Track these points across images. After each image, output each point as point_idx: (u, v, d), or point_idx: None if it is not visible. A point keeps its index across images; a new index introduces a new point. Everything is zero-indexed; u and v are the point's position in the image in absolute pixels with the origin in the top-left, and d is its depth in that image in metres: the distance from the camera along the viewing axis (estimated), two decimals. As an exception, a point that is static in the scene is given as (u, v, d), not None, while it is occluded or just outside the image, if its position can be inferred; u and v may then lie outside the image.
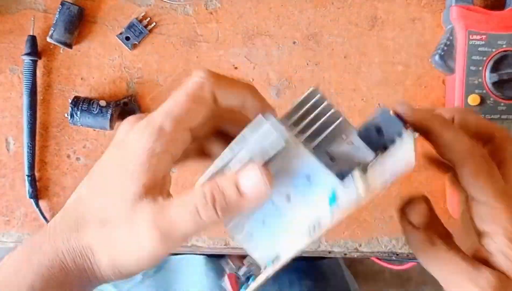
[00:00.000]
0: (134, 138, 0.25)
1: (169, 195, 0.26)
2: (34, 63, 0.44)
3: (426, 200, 0.27)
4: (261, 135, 0.24)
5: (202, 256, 0.56)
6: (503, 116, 0.41)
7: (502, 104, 0.41)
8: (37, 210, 0.44)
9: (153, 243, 0.24)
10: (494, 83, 0.41)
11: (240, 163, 0.24)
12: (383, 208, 0.44)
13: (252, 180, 0.23)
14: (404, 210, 0.28)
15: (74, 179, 0.45)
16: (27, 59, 0.43)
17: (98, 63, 0.45)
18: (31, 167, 0.44)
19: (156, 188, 0.25)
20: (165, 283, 0.58)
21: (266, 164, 0.24)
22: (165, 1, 0.45)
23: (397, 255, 0.45)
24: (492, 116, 0.41)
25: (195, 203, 0.24)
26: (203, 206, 0.24)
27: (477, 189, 0.26)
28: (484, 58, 0.41)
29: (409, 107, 0.26)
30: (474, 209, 0.27)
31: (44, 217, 0.44)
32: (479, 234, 0.27)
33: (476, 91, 0.41)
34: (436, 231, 0.27)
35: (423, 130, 0.26)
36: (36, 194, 0.44)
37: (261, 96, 0.28)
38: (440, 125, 0.26)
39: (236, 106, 0.27)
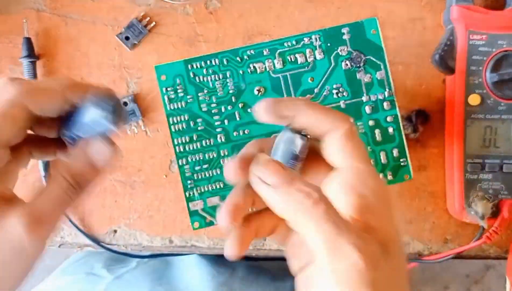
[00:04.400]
0: None
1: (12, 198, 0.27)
2: (34, 64, 0.44)
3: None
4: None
5: (196, 255, 0.57)
6: (503, 116, 0.41)
7: (502, 104, 0.41)
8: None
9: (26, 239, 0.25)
10: (494, 83, 0.41)
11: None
12: (383, 208, 0.44)
13: (99, 152, 0.27)
14: (246, 168, 0.26)
15: (74, 179, 0.45)
16: (25, 61, 0.43)
17: (98, 63, 0.45)
18: (46, 167, 0.44)
19: None
20: (160, 270, 0.58)
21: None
22: (165, 1, 0.45)
23: (397, 255, 0.45)
24: (493, 116, 0.41)
25: (64, 194, 0.26)
26: (73, 194, 0.27)
27: (346, 155, 0.26)
28: (485, 58, 0.41)
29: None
30: (342, 178, 0.26)
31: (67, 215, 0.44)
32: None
33: (476, 91, 0.41)
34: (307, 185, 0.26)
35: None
36: None
37: (82, 87, 0.27)
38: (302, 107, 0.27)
39: (61, 111, 0.27)
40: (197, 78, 0.37)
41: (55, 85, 0.27)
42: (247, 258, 0.58)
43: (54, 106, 0.27)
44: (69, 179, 0.27)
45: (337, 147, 0.27)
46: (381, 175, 0.38)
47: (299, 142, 0.27)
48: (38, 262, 0.28)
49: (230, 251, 0.27)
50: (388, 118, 0.38)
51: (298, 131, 0.27)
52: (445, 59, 0.41)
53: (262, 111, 0.27)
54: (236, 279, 0.57)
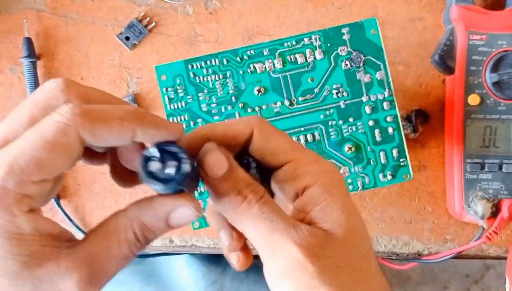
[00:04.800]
0: None
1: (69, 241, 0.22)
2: (34, 64, 0.44)
3: (219, 147, 0.24)
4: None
5: (187, 255, 0.57)
6: (503, 116, 0.41)
7: (502, 104, 0.41)
8: (59, 209, 0.44)
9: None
10: (494, 83, 0.41)
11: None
12: (383, 208, 0.44)
13: (183, 216, 0.23)
14: (200, 163, 0.24)
15: (74, 179, 0.45)
16: (25, 61, 0.43)
17: (98, 63, 0.45)
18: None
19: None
20: (150, 269, 0.58)
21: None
22: (165, 1, 0.45)
23: (397, 255, 0.45)
24: (492, 116, 0.41)
25: (129, 251, 0.23)
26: (136, 248, 0.23)
27: (276, 150, 0.25)
28: (484, 58, 0.41)
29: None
30: (283, 177, 0.25)
31: (67, 215, 0.44)
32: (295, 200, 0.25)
33: (476, 91, 0.41)
34: (245, 183, 0.24)
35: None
36: (57, 194, 0.44)
37: (154, 122, 0.22)
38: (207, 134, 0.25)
39: (118, 145, 0.23)
40: (197, 78, 0.37)
41: (118, 113, 0.21)
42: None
43: (113, 142, 0.22)
44: (140, 237, 0.23)
45: (261, 151, 0.25)
46: (380, 174, 0.38)
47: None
48: None
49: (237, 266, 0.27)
50: (388, 118, 0.38)
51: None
52: (445, 59, 0.41)
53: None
54: (227, 277, 0.57)
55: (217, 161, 0.23)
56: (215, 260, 0.58)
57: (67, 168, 0.22)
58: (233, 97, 0.38)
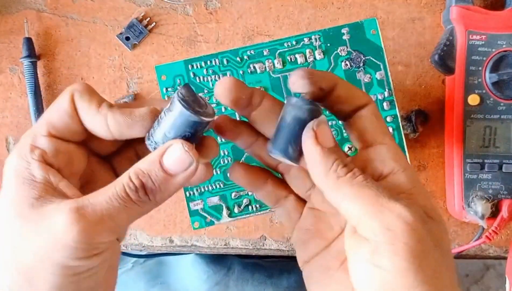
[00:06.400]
0: (11, 161, 0.25)
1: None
2: (34, 64, 0.44)
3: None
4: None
5: (192, 255, 0.57)
6: (503, 116, 0.41)
7: (502, 104, 0.41)
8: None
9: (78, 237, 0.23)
10: (494, 83, 0.41)
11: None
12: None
13: (174, 155, 0.24)
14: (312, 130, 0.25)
15: (74, 179, 0.45)
16: (26, 62, 0.43)
17: (98, 63, 0.45)
18: None
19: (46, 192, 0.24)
20: (155, 270, 0.58)
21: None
22: (165, 1, 0.45)
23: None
24: (492, 116, 0.41)
25: (122, 190, 0.24)
26: (132, 193, 0.24)
27: (378, 131, 0.27)
28: (484, 58, 0.41)
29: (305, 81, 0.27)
30: (373, 154, 0.27)
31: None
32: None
33: (476, 91, 0.41)
34: (347, 159, 0.26)
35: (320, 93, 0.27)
36: None
37: (124, 112, 0.26)
38: (335, 81, 0.27)
39: (105, 136, 0.26)
40: (197, 78, 0.38)
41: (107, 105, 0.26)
42: (243, 256, 0.58)
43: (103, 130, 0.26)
44: (134, 180, 0.24)
45: (369, 123, 0.27)
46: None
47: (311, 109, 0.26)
48: (94, 272, 0.24)
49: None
50: (388, 119, 0.38)
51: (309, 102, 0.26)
52: (445, 60, 0.41)
53: (300, 79, 0.26)
54: (232, 277, 0.57)
55: (328, 134, 0.25)
56: (220, 261, 0.58)
57: (72, 131, 0.26)
58: (233, 97, 0.38)
